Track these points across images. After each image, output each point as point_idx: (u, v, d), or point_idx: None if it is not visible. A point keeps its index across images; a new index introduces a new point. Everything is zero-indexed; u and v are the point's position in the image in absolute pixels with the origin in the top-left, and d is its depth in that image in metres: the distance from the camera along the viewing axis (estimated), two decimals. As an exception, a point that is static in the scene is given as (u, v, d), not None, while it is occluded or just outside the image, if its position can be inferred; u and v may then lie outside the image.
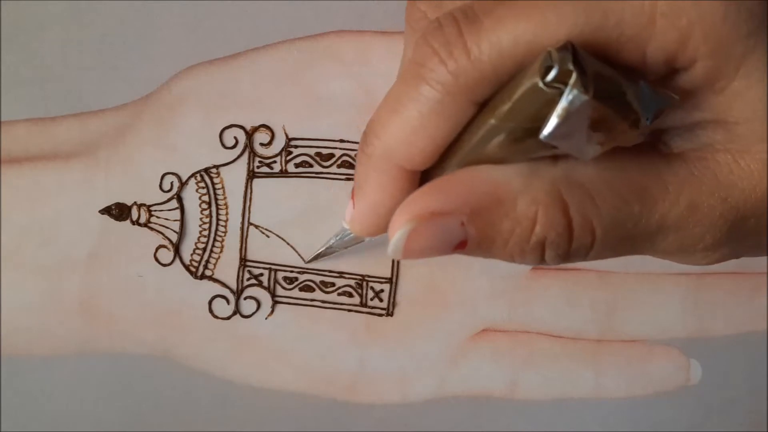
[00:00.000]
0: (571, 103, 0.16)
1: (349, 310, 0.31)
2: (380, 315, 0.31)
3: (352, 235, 0.27)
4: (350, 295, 0.31)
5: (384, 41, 0.30)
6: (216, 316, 0.31)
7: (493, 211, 0.19)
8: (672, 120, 0.19)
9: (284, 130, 0.31)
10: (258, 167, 0.31)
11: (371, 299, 0.31)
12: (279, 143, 0.31)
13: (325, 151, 0.31)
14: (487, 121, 0.18)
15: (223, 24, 0.31)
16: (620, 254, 0.20)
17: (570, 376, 0.31)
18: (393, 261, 0.31)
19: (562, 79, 0.16)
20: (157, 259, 0.31)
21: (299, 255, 0.31)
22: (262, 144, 0.31)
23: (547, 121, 0.16)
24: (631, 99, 0.17)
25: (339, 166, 0.31)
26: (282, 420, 0.32)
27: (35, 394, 0.31)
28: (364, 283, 0.31)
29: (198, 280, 0.31)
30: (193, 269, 0.31)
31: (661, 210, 0.19)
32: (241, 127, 0.31)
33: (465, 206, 0.19)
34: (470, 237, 0.19)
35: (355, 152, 0.31)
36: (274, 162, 0.31)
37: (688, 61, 0.18)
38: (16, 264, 0.31)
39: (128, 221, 0.31)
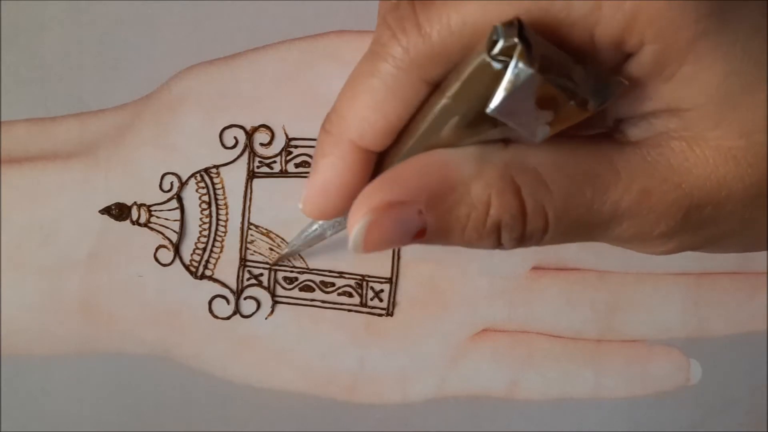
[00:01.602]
0: (516, 75, 0.16)
1: (349, 310, 0.31)
2: (380, 315, 0.31)
3: (314, 231, 0.26)
4: (350, 295, 0.31)
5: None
6: (216, 316, 0.31)
7: (448, 197, 0.19)
8: (626, 110, 0.19)
9: (284, 130, 0.31)
10: (258, 167, 0.31)
11: (371, 299, 0.31)
12: (279, 143, 0.31)
13: (325, 151, 0.31)
14: (439, 102, 0.18)
15: (223, 24, 0.31)
16: (576, 240, 0.20)
17: (570, 376, 0.31)
18: (393, 261, 0.31)
19: (507, 53, 0.16)
20: (157, 259, 0.31)
21: (300, 256, 0.31)
22: (262, 144, 0.31)
23: (494, 94, 0.17)
24: (578, 79, 0.17)
25: (339, 166, 0.31)
26: (282, 420, 0.32)
27: (35, 394, 0.31)
28: (364, 283, 0.31)
29: (198, 280, 0.31)
30: (193, 269, 0.31)
31: (614, 196, 0.19)
32: (241, 127, 0.31)
33: (421, 194, 0.19)
34: (429, 225, 0.19)
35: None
36: (274, 162, 0.31)
37: (636, 45, 0.18)
38: (16, 264, 0.31)
39: (128, 221, 0.31)
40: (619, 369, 0.32)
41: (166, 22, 0.31)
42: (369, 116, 0.19)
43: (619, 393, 0.32)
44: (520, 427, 0.32)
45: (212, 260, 0.31)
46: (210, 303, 0.31)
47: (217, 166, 0.31)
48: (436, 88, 0.19)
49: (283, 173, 0.31)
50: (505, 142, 0.19)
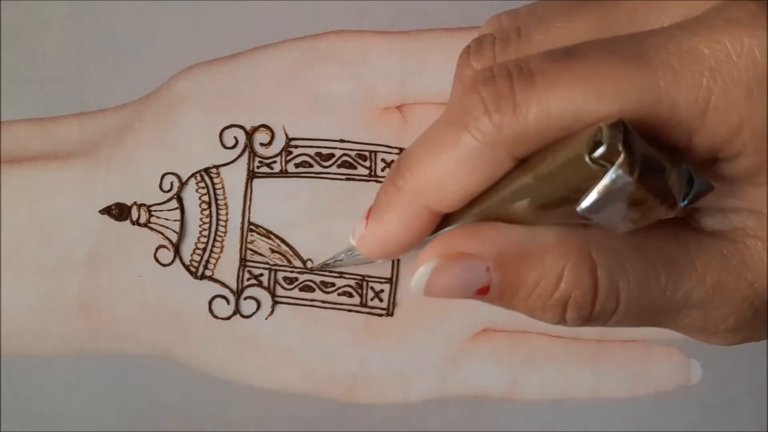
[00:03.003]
0: (614, 182, 0.16)
1: (349, 310, 0.31)
2: (380, 315, 0.31)
3: (362, 255, 0.27)
4: (350, 295, 0.31)
5: (384, 41, 0.31)
6: (216, 316, 0.31)
7: (520, 262, 0.19)
8: (706, 201, 0.19)
9: (284, 130, 0.31)
10: (258, 167, 0.31)
11: (371, 299, 0.31)
12: (279, 143, 0.31)
13: (325, 151, 0.31)
14: (522, 179, 0.18)
15: (223, 24, 0.31)
16: (642, 324, 0.20)
17: (570, 376, 0.31)
18: (393, 261, 0.31)
19: (609, 158, 0.16)
20: (157, 259, 0.31)
21: (298, 255, 0.31)
22: (262, 144, 0.31)
23: (587, 195, 0.16)
24: (672, 184, 0.17)
25: (339, 166, 0.31)
26: (282, 420, 0.32)
27: (35, 394, 0.31)
28: (364, 283, 0.31)
29: (198, 280, 0.31)
30: (193, 269, 0.31)
31: (688, 285, 0.19)
32: (241, 127, 0.31)
33: (493, 252, 0.19)
34: (494, 283, 0.19)
35: (355, 152, 0.31)
36: (274, 162, 0.31)
37: (734, 154, 0.18)
38: (16, 264, 0.31)
39: (128, 221, 0.31)
40: (619, 369, 0.32)
41: (166, 22, 0.31)
42: (448, 186, 0.19)
43: (619, 393, 0.32)
44: (520, 427, 0.32)
45: (212, 260, 0.31)
46: (210, 303, 0.31)
47: (217, 166, 0.31)
48: (520, 162, 0.18)
49: (283, 173, 0.31)
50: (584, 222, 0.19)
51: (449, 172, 0.19)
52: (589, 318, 0.19)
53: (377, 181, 0.31)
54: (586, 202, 0.16)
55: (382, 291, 0.31)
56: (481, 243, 0.19)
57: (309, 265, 0.31)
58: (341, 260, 0.28)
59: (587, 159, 0.16)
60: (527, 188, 0.18)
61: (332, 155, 0.31)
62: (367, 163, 0.31)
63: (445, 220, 0.21)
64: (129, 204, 0.31)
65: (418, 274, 0.20)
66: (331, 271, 0.31)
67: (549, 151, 0.18)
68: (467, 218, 0.20)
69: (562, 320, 0.20)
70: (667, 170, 0.17)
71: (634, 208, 0.17)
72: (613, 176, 0.16)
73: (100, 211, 0.31)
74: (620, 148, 0.16)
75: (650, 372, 0.32)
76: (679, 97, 0.17)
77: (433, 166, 0.19)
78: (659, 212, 0.17)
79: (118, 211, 0.31)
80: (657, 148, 0.17)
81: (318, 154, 0.31)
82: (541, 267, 0.19)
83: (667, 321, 0.20)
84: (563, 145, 0.17)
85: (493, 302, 0.20)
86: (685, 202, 0.17)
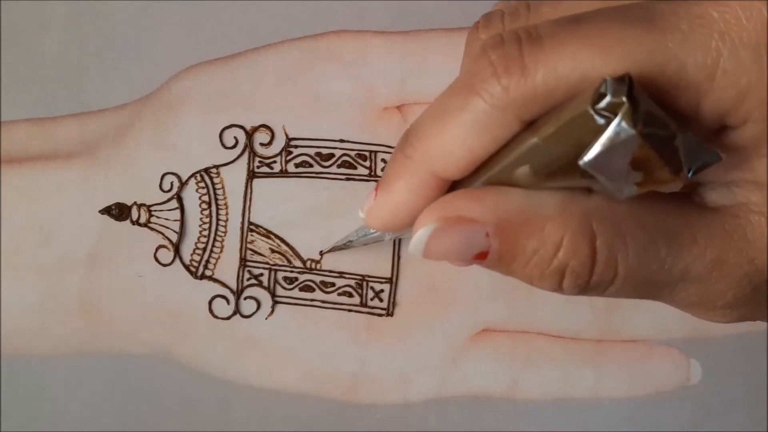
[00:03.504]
0: (617, 134, 0.16)
1: (349, 310, 0.31)
2: (380, 315, 0.31)
3: (374, 233, 0.27)
4: (350, 295, 0.31)
5: (384, 41, 0.31)
6: (216, 316, 0.31)
7: (520, 228, 0.19)
8: (711, 175, 0.19)
9: (284, 130, 0.31)
10: (258, 167, 0.31)
11: (371, 299, 0.31)
12: (279, 143, 0.31)
13: (325, 151, 0.31)
14: (529, 140, 0.18)
15: (223, 24, 0.31)
16: (638, 296, 0.20)
17: (570, 376, 0.31)
18: (393, 261, 0.31)
19: (612, 109, 0.16)
20: (157, 259, 0.31)
21: (298, 255, 0.31)
22: (262, 144, 0.31)
23: (590, 147, 0.16)
24: (678, 146, 0.17)
25: (339, 166, 0.31)
26: (282, 420, 0.32)
27: (35, 394, 0.31)
28: (364, 283, 0.31)
29: (198, 280, 0.31)
30: (193, 269, 0.31)
31: (687, 259, 0.19)
32: (241, 127, 0.31)
33: (493, 217, 0.19)
34: (492, 249, 0.19)
35: (355, 152, 0.31)
36: (274, 162, 0.31)
37: (740, 120, 0.18)
38: (16, 264, 0.31)
39: (128, 221, 0.31)
40: (619, 369, 0.32)
41: (166, 22, 0.31)
42: (456, 151, 0.19)
43: (619, 393, 0.32)
44: (520, 427, 0.32)
45: (212, 260, 0.31)
46: (210, 303, 0.31)
47: (217, 166, 0.31)
48: (527, 125, 0.18)
49: (283, 173, 0.31)
50: (588, 190, 0.19)
51: (457, 137, 0.19)
52: (586, 287, 0.19)
53: (377, 181, 0.31)
54: (589, 155, 0.16)
55: (382, 291, 0.31)
56: (482, 207, 0.19)
57: (310, 264, 0.31)
58: (351, 241, 0.28)
59: (591, 111, 0.16)
60: (533, 150, 0.18)
61: (332, 155, 0.31)
62: (367, 163, 0.31)
63: (452, 189, 0.21)
64: (129, 204, 0.31)
65: (417, 236, 0.19)
66: (331, 271, 0.31)
67: (555, 111, 0.18)
68: (474, 185, 0.20)
69: (558, 288, 0.20)
70: (673, 131, 0.17)
71: (638, 167, 0.17)
72: (617, 127, 0.16)
73: (100, 211, 0.31)
74: (623, 99, 0.16)
75: (650, 372, 0.32)
76: (687, 59, 0.17)
77: (441, 133, 0.19)
78: (663, 176, 0.17)
79: (118, 211, 0.31)
80: (666, 111, 0.17)
81: (318, 154, 0.31)
82: (541, 235, 0.19)
83: (664, 294, 0.20)
84: (570, 104, 0.17)
85: (491, 267, 0.20)
86: (691, 172, 0.17)
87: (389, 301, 0.31)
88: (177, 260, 0.31)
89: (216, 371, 0.31)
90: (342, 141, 0.31)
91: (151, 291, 0.31)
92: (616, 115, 0.16)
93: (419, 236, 0.19)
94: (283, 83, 0.31)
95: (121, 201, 0.31)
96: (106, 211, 0.31)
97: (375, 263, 0.31)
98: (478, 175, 0.20)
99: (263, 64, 0.31)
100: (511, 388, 0.31)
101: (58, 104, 0.31)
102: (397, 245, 0.31)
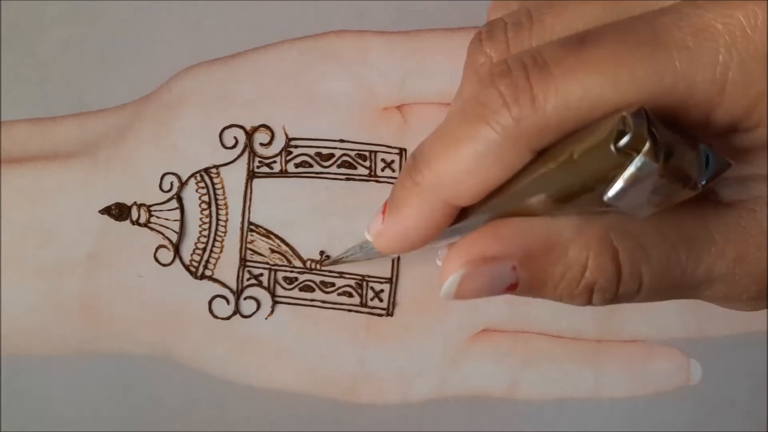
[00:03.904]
0: (640, 170, 0.16)
1: (349, 310, 0.31)
2: (380, 315, 0.31)
3: (376, 252, 0.27)
4: (350, 295, 0.31)
5: (384, 41, 0.31)
6: (216, 316, 0.31)
7: (544, 257, 0.19)
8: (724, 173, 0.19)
9: (284, 130, 0.31)
10: (258, 167, 0.31)
11: (371, 299, 0.31)
12: (279, 143, 0.31)
13: (325, 151, 0.31)
14: (542, 170, 0.18)
15: (223, 24, 0.31)
16: (665, 299, 0.20)
17: (570, 376, 0.31)
18: (393, 261, 0.31)
19: (634, 146, 0.16)
20: (157, 259, 0.31)
21: (298, 255, 0.31)
22: (262, 144, 0.31)
23: (613, 184, 0.17)
24: (693, 166, 0.17)
25: (339, 166, 0.31)
26: (282, 420, 0.32)
27: (35, 394, 0.31)
28: (364, 283, 0.31)
29: (198, 280, 0.31)
30: (193, 269, 0.31)
31: (708, 261, 0.19)
32: (241, 127, 0.31)
33: (517, 252, 0.19)
34: (521, 280, 0.20)
35: (354, 152, 0.31)
36: (274, 162, 0.31)
37: (752, 125, 0.18)
38: (16, 264, 0.31)
39: (128, 221, 0.31)
40: (619, 369, 0.32)
41: (166, 22, 0.31)
42: (467, 181, 0.19)
43: (619, 393, 0.32)
44: (520, 427, 0.32)
45: (212, 260, 0.31)
46: (210, 303, 0.31)
47: (217, 166, 0.31)
48: (539, 155, 0.19)
49: (283, 173, 0.31)
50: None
51: (468, 166, 0.19)
52: (614, 299, 0.20)
53: (377, 181, 0.31)
54: (613, 191, 0.17)
55: (382, 291, 0.31)
56: (504, 244, 0.19)
57: (310, 264, 0.31)
58: (353, 254, 0.28)
59: (612, 148, 0.16)
60: (547, 179, 0.18)
61: (332, 155, 0.31)
62: (367, 163, 0.31)
63: (462, 213, 0.21)
64: (129, 204, 0.31)
65: (447, 283, 0.20)
66: (331, 271, 0.31)
67: (569, 142, 0.18)
68: (485, 210, 0.20)
69: (589, 303, 0.20)
70: (688, 153, 0.17)
71: (658, 193, 0.17)
72: (639, 164, 0.16)
73: (100, 211, 0.31)
74: (646, 135, 0.16)
75: (650, 372, 0.32)
76: (696, 77, 0.17)
77: (451, 161, 0.19)
78: (681, 194, 0.17)
79: (118, 211, 0.31)
80: (676, 129, 0.17)
81: (318, 154, 0.31)
82: (566, 260, 0.19)
83: (690, 294, 0.20)
84: (584, 135, 0.17)
85: (523, 295, 0.20)
86: (704, 181, 0.17)
87: (389, 301, 0.31)
88: (177, 260, 0.31)
89: (216, 371, 0.31)
90: (342, 141, 0.31)
91: (151, 291, 0.31)
92: (638, 152, 0.16)
93: (450, 283, 0.20)
94: (283, 83, 0.31)
95: (121, 201, 0.31)
96: (106, 211, 0.31)
97: (375, 263, 0.31)
98: (488, 200, 0.20)
99: (263, 64, 0.31)
100: (511, 388, 0.31)
101: (58, 104, 0.31)
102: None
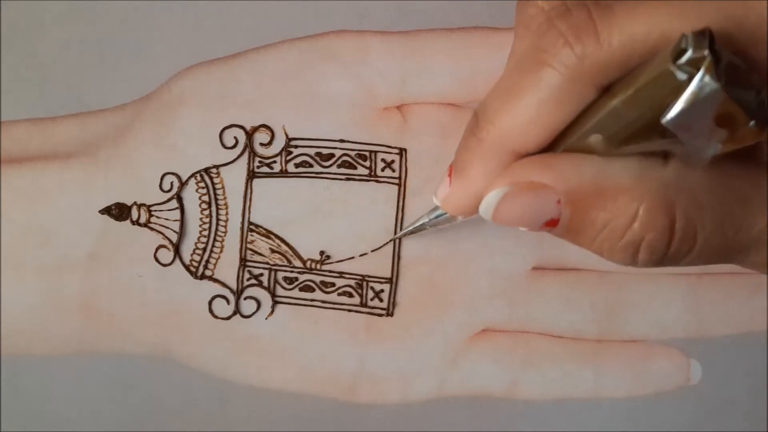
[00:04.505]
0: (700, 89, 0.15)
1: (349, 310, 0.31)
2: (380, 315, 0.31)
3: (445, 214, 0.26)
4: (350, 295, 0.31)
5: (384, 41, 0.30)
6: (216, 316, 0.31)
7: (592, 198, 0.18)
8: None
9: (284, 130, 0.31)
10: (258, 167, 0.31)
11: (371, 299, 0.31)
12: (279, 143, 0.31)
13: (325, 151, 0.31)
14: (608, 105, 0.18)
15: (223, 24, 0.31)
16: (712, 263, 0.20)
17: (570, 376, 0.31)
18: (393, 261, 0.31)
19: (694, 64, 0.16)
20: (157, 259, 0.31)
21: (298, 255, 0.31)
22: (262, 144, 0.31)
23: (673, 104, 0.16)
24: (764, 98, 0.16)
25: (339, 166, 0.31)
26: (282, 420, 0.32)
27: (35, 394, 0.31)
28: (364, 283, 0.31)
29: (198, 280, 0.31)
30: (193, 269, 0.31)
31: (761, 223, 0.19)
32: (241, 127, 0.31)
33: (565, 185, 0.19)
34: (563, 217, 0.19)
35: (355, 152, 0.31)
36: (274, 162, 0.31)
37: None
38: (16, 264, 0.31)
39: (128, 221, 0.31)
40: (619, 369, 0.32)
41: (166, 22, 0.31)
42: (533, 128, 0.19)
43: (619, 393, 0.32)
44: (520, 427, 0.32)
45: (212, 260, 0.31)
46: (210, 303, 0.31)
47: (217, 166, 0.31)
48: (605, 91, 0.18)
49: (283, 173, 0.31)
50: (665, 157, 0.18)
51: (532, 115, 0.18)
52: (662, 260, 0.19)
53: (377, 181, 0.31)
54: (673, 111, 0.16)
55: (382, 291, 0.31)
56: (555, 174, 0.19)
57: (310, 264, 0.31)
58: (423, 224, 0.28)
59: (672, 68, 0.16)
60: (612, 115, 0.18)
61: (332, 155, 0.31)
62: (367, 163, 0.31)
63: None
64: (129, 204, 0.31)
65: (487, 198, 0.19)
66: (331, 271, 0.31)
67: (633, 75, 0.17)
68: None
69: (633, 262, 0.19)
70: (757, 83, 0.16)
71: (722, 124, 0.16)
72: (700, 82, 0.15)
73: (100, 211, 0.31)
74: (705, 52, 0.15)
75: (650, 372, 0.32)
76: (765, 10, 0.16)
77: (515, 112, 0.19)
78: (748, 132, 0.16)
79: (118, 211, 0.31)
80: (744, 69, 0.16)
81: (318, 154, 0.31)
82: (613, 206, 0.18)
83: (737, 259, 0.20)
84: (647, 65, 0.17)
85: (561, 236, 0.20)
86: None
87: (389, 301, 0.31)
88: (177, 260, 0.31)
89: (216, 371, 0.31)
90: (342, 141, 0.31)
91: (151, 291, 0.31)
92: (698, 69, 0.15)
93: (489, 199, 0.19)
94: (283, 83, 0.31)
95: (121, 201, 0.31)
96: (106, 211, 0.31)
97: (375, 263, 0.31)
98: (555, 145, 0.19)
99: (263, 64, 0.31)
100: (511, 388, 0.31)
101: (58, 104, 0.31)
102: (398, 245, 0.31)
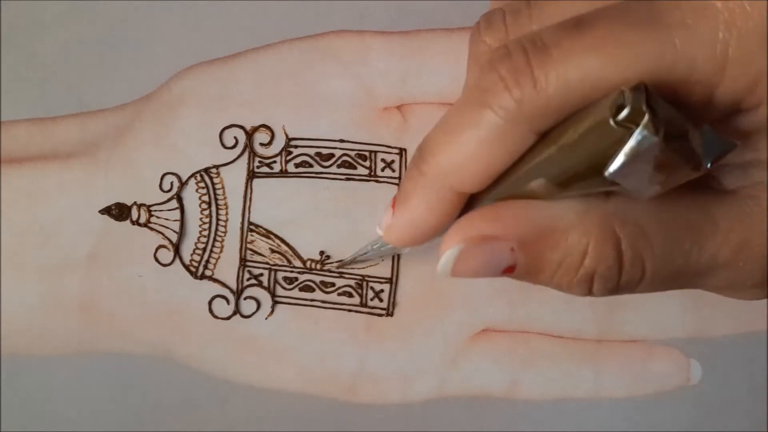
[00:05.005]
0: (640, 143, 0.16)
1: (349, 310, 0.31)
2: (380, 315, 0.31)
3: (390, 246, 0.27)
4: (350, 295, 0.31)
5: (384, 41, 0.31)
6: (216, 316, 0.31)
7: (543, 241, 0.19)
8: (727, 157, 0.19)
9: (284, 130, 0.31)
10: (258, 167, 0.31)
11: (371, 299, 0.31)
12: (279, 143, 0.31)
13: (325, 151, 0.31)
14: (546, 151, 0.18)
15: (223, 24, 0.31)
16: (669, 288, 0.20)
17: (570, 376, 0.31)
18: (393, 261, 0.31)
19: (633, 119, 0.16)
20: (157, 259, 0.31)
21: (298, 255, 0.31)
22: (262, 144, 0.31)
23: (614, 159, 0.16)
24: (695, 143, 0.17)
25: (339, 166, 0.31)
26: (282, 420, 0.32)
27: (35, 394, 0.31)
28: (364, 283, 0.31)
29: (198, 280, 0.31)
30: (193, 269, 0.31)
31: (712, 248, 0.19)
32: (241, 127, 0.31)
33: (516, 233, 0.19)
34: (519, 263, 0.19)
35: (355, 152, 0.31)
36: (274, 162, 0.31)
37: (753, 104, 0.18)
38: (16, 264, 0.31)
39: (128, 221, 0.31)
40: (619, 369, 0.32)
41: (166, 22, 0.31)
42: (471, 166, 0.19)
43: (619, 393, 0.32)
44: (520, 427, 0.32)
45: (212, 260, 0.31)
46: (210, 303, 0.31)
47: (217, 166, 0.31)
48: (542, 136, 0.18)
49: (283, 173, 0.31)
50: (606, 193, 0.19)
51: (472, 152, 0.19)
52: (616, 289, 0.20)
53: (377, 181, 0.31)
54: (614, 165, 0.16)
55: (382, 291, 0.31)
56: (503, 225, 0.19)
57: (310, 264, 0.31)
58: (367, 253, 0.28)
59: (612, 123, 0.16)
60: (551, 161, 0.18)
61: (332, 155, 0.31)
62: (367, 163, 0.31)
63: (469, 202, 0.21)
64: (129, 204, 0.31)
65: (444, 258, 0.20)
66: (331, 271, 0.31)
67: (570, 122, 0.18)
68: (492, 198, 0.20)
69: (589, 293, 0.20)
70: (690, 130, 0.17)
71: (660, 169, 0.17)
72: (639, 137, 0.16)
73: (100, 211, 0.31)
74: (644, 108, 0.16)
75: (650, 372, 0.32)
76: (696, 54, 0.17)
77: (455, 148, 0.19)
78: (685, 173, 0.17)
79: (118, 211, 0.31)
80: (678, 109, 0.17)
81: (318, 154, 0.31)
82: (565, 245, 0.19)
83: (694, 283, 0.20)
84: (584, 115, 0.17)
85: (521, 279, 0.20)
86: (709, 163, 0.17)
87: (389, 301, 0.31)
88: (177, 260, 0.31)
89: (216, 371, 0.31)
90: (342, 141, 0.31)
91: (151, 291, 0.31)
92: (637, 125, 0.16)
93: (446, 258, 0.20)
94: (283, 83, 0.31)
95: (121, 201, 0.31)
96: (106, 211, 0.31)
97: (378, 264, 0.31)
98: (496, 187, 0.20)
99: (263, 64, 0.31)
100: (511, 388, 0.31)
101: (58, 104, 0.31)
102: (397, 245, 0.31)
